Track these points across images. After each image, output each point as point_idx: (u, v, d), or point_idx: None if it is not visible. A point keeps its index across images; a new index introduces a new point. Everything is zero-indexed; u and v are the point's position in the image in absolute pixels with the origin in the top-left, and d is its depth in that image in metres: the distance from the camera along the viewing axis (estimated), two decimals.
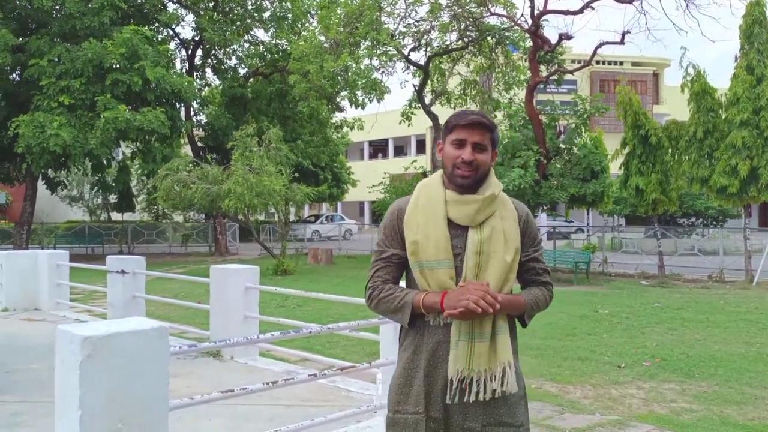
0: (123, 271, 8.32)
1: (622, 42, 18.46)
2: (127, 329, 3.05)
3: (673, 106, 37.45)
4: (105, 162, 22.99)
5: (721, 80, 18.87)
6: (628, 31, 18.29)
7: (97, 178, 25.30)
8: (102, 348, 2.89)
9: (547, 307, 2.38)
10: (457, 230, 2.19)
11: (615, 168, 18.95)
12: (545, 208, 20.28)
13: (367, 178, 33.83)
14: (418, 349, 2.19)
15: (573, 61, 26.95)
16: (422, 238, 2.17)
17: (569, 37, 18.86)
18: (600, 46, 18.61)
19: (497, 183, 2.25)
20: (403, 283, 2.31)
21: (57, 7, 21.19)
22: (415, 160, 26.24)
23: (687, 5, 17.96)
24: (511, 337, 2.21)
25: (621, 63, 40.95)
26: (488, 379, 2.13)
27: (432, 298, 2.13)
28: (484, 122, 2.20)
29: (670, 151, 17.23)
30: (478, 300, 2.02)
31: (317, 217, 41.91)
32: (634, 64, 42.18)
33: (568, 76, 21.07)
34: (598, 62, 26.69)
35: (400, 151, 51.51)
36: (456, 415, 2.15)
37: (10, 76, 21.78)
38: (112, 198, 30.52)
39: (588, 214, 36.77)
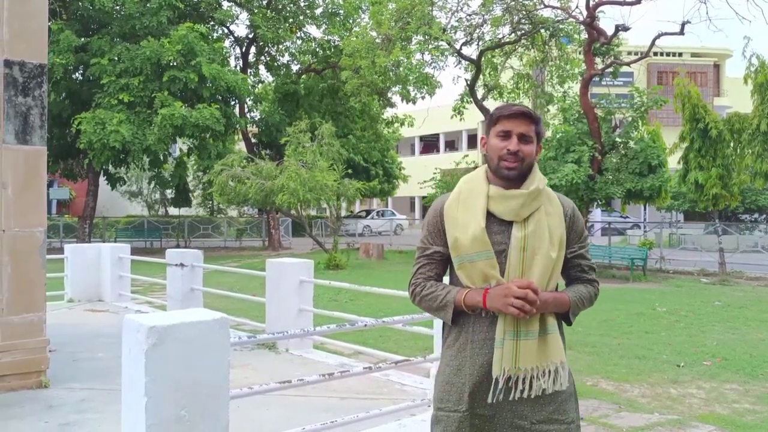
0: (182, 265, 8.51)
1: (681, 32, 17.93)
2: (191, 320, 3.13)
3: (736, 98, 36.18)
4: (162, 158, 23.60)
5: None
6: (688, 21, 17.75)
7: (154, 173, 25.97)
8: (167, 337, 2.97)
9: (592, 305, 2.34)
10: (501, 226, 2.16)
11: (673, 162, 18.43)
12: (600, 203, 19.91)
13: (418, 174, 33.73)
14: (462, 347, 2.18)
15: (630, 53, 26.29)
16: (461, 233, 2.16)
17: (626, 28, 18.43)
18: (658, 36, 18.14)
19: (542, 177, 2.23)
20: (446, 279, 2.30)
21: (117, 7, 21.89)
22: (467, 155, 26.05)
23: None
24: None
25: (680, 54, 39.68)
26: (536, 377, 2.10)
27: (474, 298, 2.11)
28: (530, 113, 2.19)
29: (732, 144, 16.69)
30: (523, 305, 2.01)
31: (368, 212, 42.12)
32: (693, 55, 40.87)
33: (624, 69, 20.56)
34: (656, 54, 25.98)
35: (451, 146, 51.22)
36: (504, 412, 2.12)
37: (73, 75, 22.58)
38: (169, 193, 31.28)
39: (645, 209, 35.85)
